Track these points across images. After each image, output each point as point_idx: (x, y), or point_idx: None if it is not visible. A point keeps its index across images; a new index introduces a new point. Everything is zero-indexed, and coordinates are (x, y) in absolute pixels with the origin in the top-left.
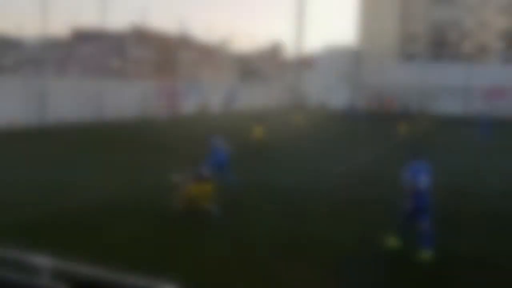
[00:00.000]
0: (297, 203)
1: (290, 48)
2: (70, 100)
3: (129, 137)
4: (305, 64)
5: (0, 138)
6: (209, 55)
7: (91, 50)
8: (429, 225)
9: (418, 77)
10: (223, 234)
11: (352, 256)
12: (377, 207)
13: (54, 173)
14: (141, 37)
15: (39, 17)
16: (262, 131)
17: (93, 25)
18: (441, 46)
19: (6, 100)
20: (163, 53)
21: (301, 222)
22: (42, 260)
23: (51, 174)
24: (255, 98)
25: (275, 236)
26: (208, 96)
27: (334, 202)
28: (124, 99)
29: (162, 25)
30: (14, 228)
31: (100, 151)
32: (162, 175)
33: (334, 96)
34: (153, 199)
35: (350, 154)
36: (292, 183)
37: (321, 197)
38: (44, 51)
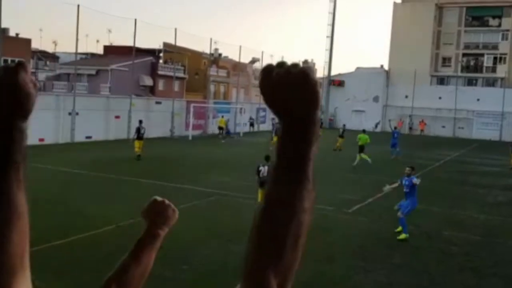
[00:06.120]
0: None
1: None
2: (100, 118)
3: None
4: (335, 85)
5: None
6: (239, 74)
7: (123, 67)
8: (404, 216)
9: (450, 100)
10: None
11: None
12: None
13: None
14: (172, 55)
15: (74, 33)
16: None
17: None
18: (474, 69)
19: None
20: (194, 71)
21: None
22: None
23: None
24: None
25: None
26: (236, 115)
27: None
28: (154, 117)
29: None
30: None
31: None
32: None
33: (364, 117)
34: None
35: None
36: None
37: None
38: (77, 67)
